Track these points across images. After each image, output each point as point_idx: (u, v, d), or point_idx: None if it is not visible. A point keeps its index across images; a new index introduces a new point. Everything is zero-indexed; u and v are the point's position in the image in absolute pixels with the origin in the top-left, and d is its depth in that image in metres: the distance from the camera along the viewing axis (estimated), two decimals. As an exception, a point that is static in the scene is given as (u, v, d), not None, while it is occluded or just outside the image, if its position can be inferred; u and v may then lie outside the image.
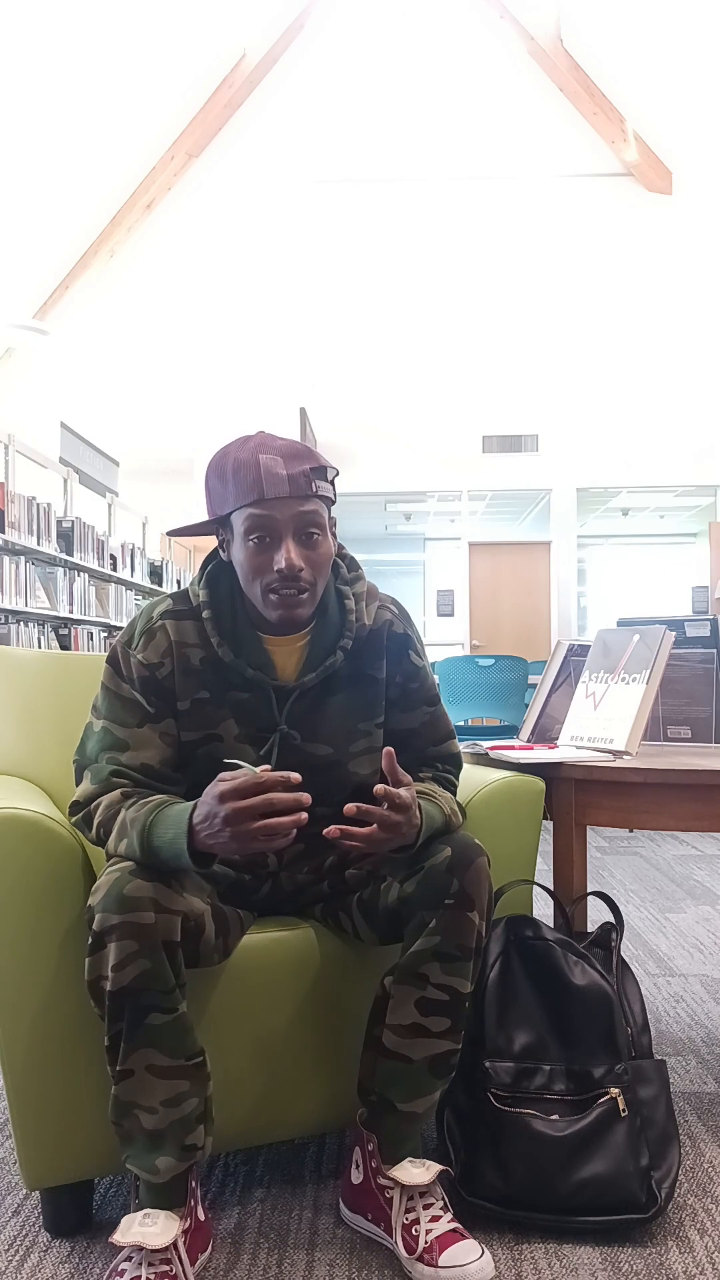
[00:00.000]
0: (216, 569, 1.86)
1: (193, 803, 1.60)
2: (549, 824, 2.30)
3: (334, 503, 1.78)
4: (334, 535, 1.79)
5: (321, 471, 1.72)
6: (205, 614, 1.80)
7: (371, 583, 1.94)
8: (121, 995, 1.59)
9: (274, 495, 1.68)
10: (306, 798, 1.53)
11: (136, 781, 1.75)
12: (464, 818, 1.90)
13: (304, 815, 1.52)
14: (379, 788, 1.61)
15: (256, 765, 1.63)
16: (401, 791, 1.64)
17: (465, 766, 2.29)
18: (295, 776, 1.55)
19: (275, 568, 1.70)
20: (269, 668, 1.81)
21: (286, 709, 1.82)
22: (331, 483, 1.75)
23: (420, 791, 1.80)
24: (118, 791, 1.73)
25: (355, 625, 1.85)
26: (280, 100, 8.81)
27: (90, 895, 1.64)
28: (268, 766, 1.56)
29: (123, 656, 1.80)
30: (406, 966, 1.74)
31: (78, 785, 1.79)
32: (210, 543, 13.76)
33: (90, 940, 1.60)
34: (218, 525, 1.80)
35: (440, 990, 1.73)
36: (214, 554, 1.88)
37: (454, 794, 1.97)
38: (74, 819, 1.77)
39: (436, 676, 6.52)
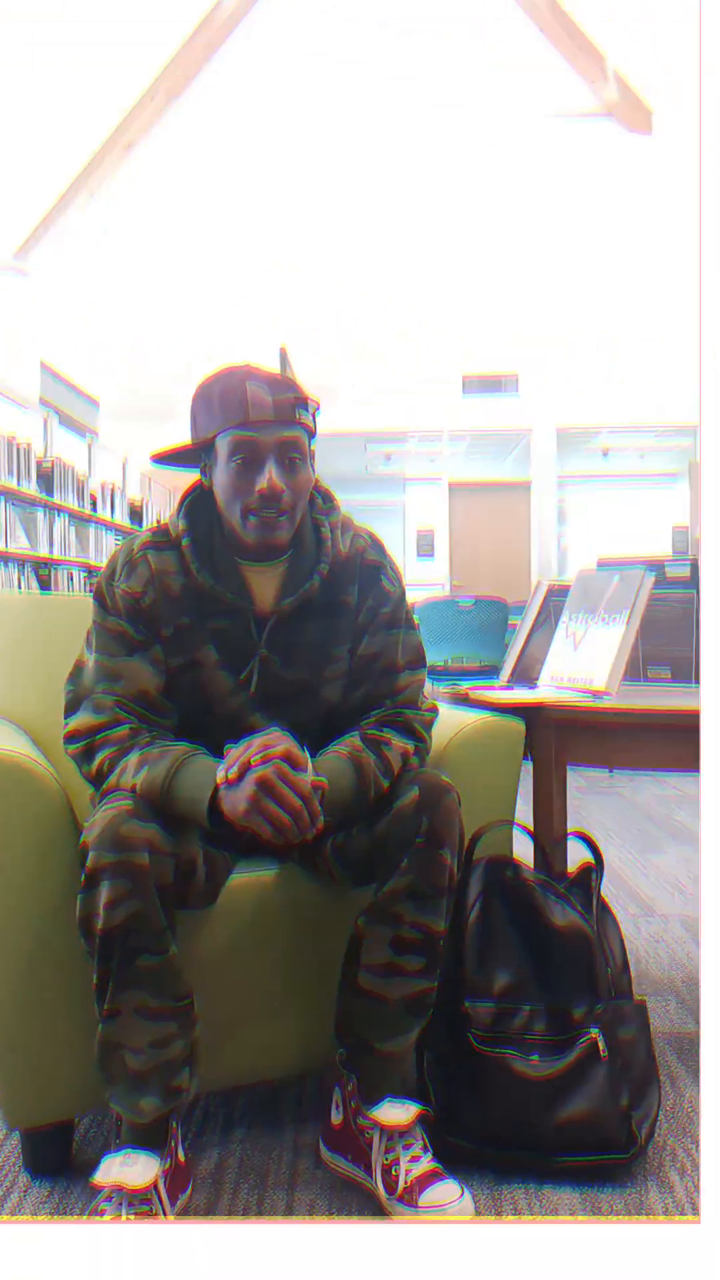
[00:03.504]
0: (195, 501, 1.87)
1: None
2: (529, 766, 2.29)
3: (314, 435, 1.79)
4: (313, 468, 1.81)
5: (304, 403, 1.75)
6: (185, 542, 1.81)
7: (347, 514, 1.95)
8: (111, 935, 1.58)
9: (258, 419, 1.71)
10: (320, 826, 1.65)
11: (139, 714, 1.75)
12: (422, 757, 1.87)
13: (306, 836, 1.64)
14: None
15: (241, 692, 1.82)
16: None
17: (445, 709, 2.25)
18: (320, 824, 1.65)
19: (256, 489, 1.72)
20: (247, 594, 1.82)
21: (265, 634, 1.83)
22: (313, 416, 1.78)
23: (369, 742, 1.81)
24: (125, 728, 1.73)
25: (331, 553, 1.86)
26: (260, 39, 8.62)
27: (84, 833, 1.62)
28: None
29: (107, 591, 1.82)
30: (380, 906, 1.74)
31: (71, 715, 1.78)
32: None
33: (83, 879, 1.59)
34: (201, 451, 1.81)
35: (414, 929, 1.72)
36: (193, 488, 1.89)
37: (412, 728, 1.88)
38: (73, 749, 1.76)
39: (418, 620, 6.51)
